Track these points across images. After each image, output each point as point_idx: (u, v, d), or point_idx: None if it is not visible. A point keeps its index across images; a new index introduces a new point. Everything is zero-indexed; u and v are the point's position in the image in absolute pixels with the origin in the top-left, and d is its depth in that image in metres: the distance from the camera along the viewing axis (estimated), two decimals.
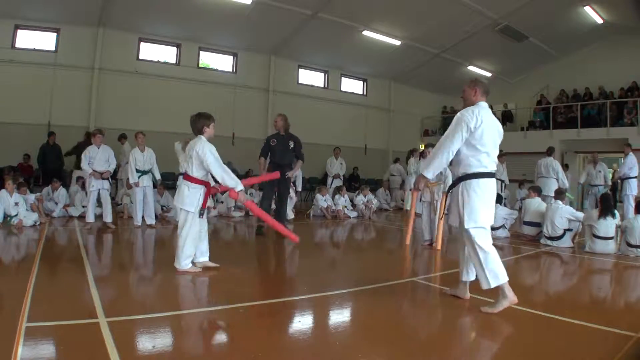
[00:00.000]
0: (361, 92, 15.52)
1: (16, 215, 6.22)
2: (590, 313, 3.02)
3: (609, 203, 5.55)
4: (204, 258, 3.94)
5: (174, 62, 11.96)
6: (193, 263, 3.84)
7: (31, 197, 6.75)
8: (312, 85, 14.30)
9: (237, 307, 2.86)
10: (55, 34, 10.25)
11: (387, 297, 3.25)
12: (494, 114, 3.12)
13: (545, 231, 5.99)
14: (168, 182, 8.71)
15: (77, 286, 3.20)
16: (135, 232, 6.32)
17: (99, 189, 6.33)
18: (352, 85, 15.34)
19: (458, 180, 2.95)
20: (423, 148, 8.23)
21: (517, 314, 2.83)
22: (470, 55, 13.88)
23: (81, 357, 2.02)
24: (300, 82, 14.01)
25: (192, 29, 11.38)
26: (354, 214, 9.16)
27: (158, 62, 11.73)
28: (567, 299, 3.59)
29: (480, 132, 2.83)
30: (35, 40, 10.12)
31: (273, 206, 6.57)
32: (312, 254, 5.55)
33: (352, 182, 12.94)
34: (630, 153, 8.23)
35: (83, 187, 7.68)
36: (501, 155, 3.14)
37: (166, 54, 11.92)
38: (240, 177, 11.41)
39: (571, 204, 6.36)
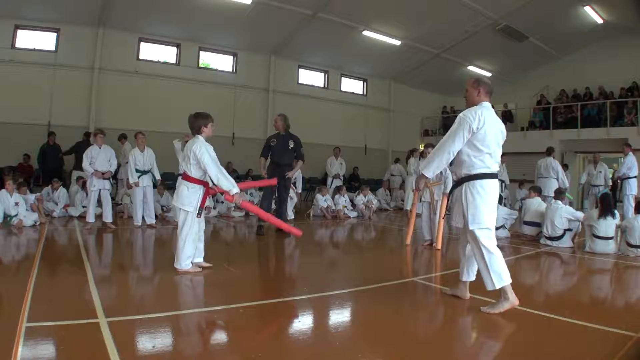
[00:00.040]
0: (361, 92, 15.52)
1: (16, 215, 6.22)
2: (590, 313, 3.02)
3: (608, 203, 5.55)
4: (198, 258, 3.94)
5: (174, 62, 11.96)
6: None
7: (31, 197, 6.75)
8: (312, 85, 14.30)
9: (237, 307, 2.86)
10: (55, 34, 10.24)
11: (387, 297, 3.25)
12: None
13: (545, 231, 5.99)
14: (168, 182, 8.71)
15: (77, 286, 3.20)
16: (135, 232, 6.32)
17: (100, 189, 6.34)
18: (352, 85, 15.34)
19: (461, 181, 2.94)
20: (423, 148, 8.22)
21: (517, 314, 2.83)
22: (470, 55, 13.88)
23: (81, 357, 2.02)
24: (300, 82, 14.00)
25: (192, 29, 11.38)
26: (354, 214, 9.16)
27: (158, 62, 11.72)
28: (567, 299, 3.59)
29: (483, 133, 2.82)
30: (35, 40, 10.11)
31: (273, 206, 6.57)
32: (312, 254, 5.56)
33: (352, 182, 12.94)
34: (630, 153, 8.23)
35: (83, 187, 7.69)
36: (501, 156, 3.13)
37: (166, 54, 11.91)
38: (240, 177, 11.30)
39: (570, 204, 6.36)
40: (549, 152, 8.40)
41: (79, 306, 2.72)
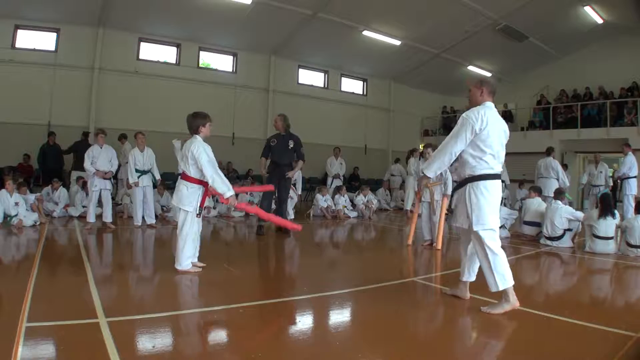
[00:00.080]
0: (361, 92, 15.52)
1: (16, 215, 6.22)
2: (590, 313, 3.02)
3: (608, 203, 5.55)
4: (193, 259, 3.94)
5: (174, 62, 11.96)
6: None
7: (31, 197, 6.75)
8: (312, 85, 14.30)
9: (237, 307, 2.86)
10: (55, 34, 10.24)
11: (387, 297, 3.25)
12: None
13: (545, 231, 5.99)
14: (168, 182, 8.72)
15: (77, 286, 3.20)
16: (135, 232, 6.32)
17: (101, 189, 6.34)
18: (352, 85, 15.34)
19: (464, 181, 2.94)
20: (422, 148, 8.23)
21: (517, 314, 2.83)
22: (470, 55, 13.88)
23: (81, 357, 2.02)
24: (300, 82, 14.00)
25: (192, 29, 11.38)
26: (354, 214, 9.16)
27: (158, 62, 11.72)
28: (567, 299, 3.59)
29: (486, 134, 2.82)
30: (35, 40, 10.11)
31: (273, 206, 6.58)
32: (312, 254, 5.56)
33: (352, 182, 12.94)
34: (630, 153, 8.23)
35: (83, 187, 7.69)
36: None
37: (166, 54, 11.91)
38: (240, 177, 11.26)
39: (570, 205, 6.36)
40: (549, 152, 8.40)
41: (79, 306, 2.72)
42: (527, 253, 5.44)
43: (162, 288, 3.49)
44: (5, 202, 6.26)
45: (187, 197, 3.75)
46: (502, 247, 2.93)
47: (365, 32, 11.93)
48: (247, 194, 8.54)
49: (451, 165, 3.12)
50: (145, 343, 2.24)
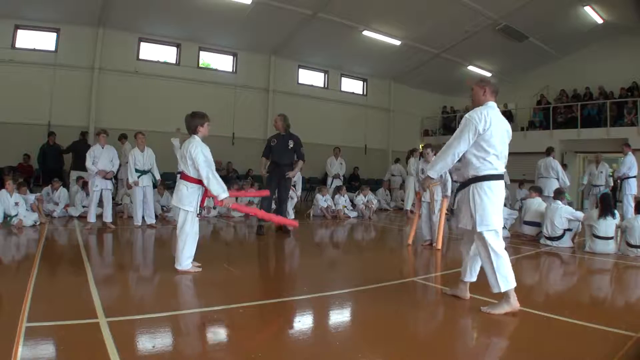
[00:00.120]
0: (361, 92, 15.52)
1: (16, 215, 6.22)
2: (590, 313, 3.02)
3: (608, 203, 5.55)
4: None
5: (174, 62, 11.95)
6: None
7: (31, 197, 6.75)
8: (312, 85, 14.29)
9: (237, 307, 2.87)
10: (55, 34, 10.24)
11: (387, 297, 3.25)
12: None
13: (545, 231, 5.99)
14: (168, 182, 8.71)
15: (77, 286, 3.20)
16: (135, 232, 6.32)
17: (102, 189, 6.34)
18: (352, 85, 15.33)
19: (468, 182, 2.93)
20: (421, 148, 8.23)
21: (517, 313, 2.83)
22: (470, 55, 13.87)
23: (81, 357, 2.02)
24: (300, 82, 14.00)
25: (192, 29, 11.38)
26: (354, 214, 9.16)
27: (158, 62, 11.72)
28: (567, 299, 3.59)
29: (490, 134, 2.82)
30: (35, 40, 10.10)
31: (273, 206, 6.58)
32: (312, 254, 5.56)
33: (352, 182, 12.94)
34: (629, 153, 8.23)
35: (83, 187, 7.69)
36: None
37: (166, 54, 11.91)
38: (240, 177, 11.24)
39: (570, 205, 6.36)
40: (549, 152, 8.40)
41: (79, 306, 2.72)
42: (527, 253, 5.45)
43: (162, 288, 3.49)
44: (5, 202, 6.26)
45: (187, 197, 3.75)
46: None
47: (365, 32, 11.93)
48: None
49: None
50: (145, 343, 2.24)
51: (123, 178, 8.11)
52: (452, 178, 5.47)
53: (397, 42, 12.57)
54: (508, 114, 14.70)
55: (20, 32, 9.95)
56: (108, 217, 6.40)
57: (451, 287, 3.33)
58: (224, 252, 5.31)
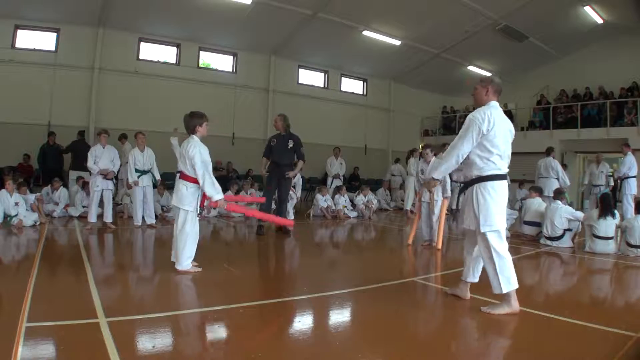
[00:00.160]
0: (361, 92, 15.52)
1: (16, 215, 6.22)
2: (590, 313, 3.02)
3: (608, 203, 5.55)
4: None
5: (174, 62, 11.95)
6: None
7: (31, 197, 6.75)
8: (312, 85, 14.29)
9: (237, 307, 2.86)
10: (55, 34, 10.23)
11: (387, 297, 3.25)
12: None
13: (545, 231, 5.99)
14: (168, 182, 8.70)
15: (77, 286, 3.21)
16: (135, 232, 6.32)
17: (103, 189, 6.34)
18: (352, 85, 15.33)
19: (472, 182, 2.93)
20: (421, 149, 8.23)
21: (517, 314, 2.83)
22: (470, 55, 13.87)
23: (81, 357, 2.02)
24: (300, 82, 14.00)
25: (192, 29, 11.37)
26: (354, 214, 9.16)
27: (158, 62, 11.71)
28: (567, 299, 3.59)
29: (493, 134, 2.82)
30: (35, 40, 10.10)
31: (273, 206, 6.58)
32: (312, 254, 5.56)
33: (352, 182, 12.94)
34: (629, 153, 8.24)
35: (83, 187, 7.69)
36: None
37: (166, 54, 11.90)
38: (240, 177, 11.22)
39: (570, 205, 6.36)
40: (549, 152, 8.40)
41: (79, 306, 2.72)
42: (527, 253, 5.45)
43: (162, 288, 3.49)
44: (5, 202, 6.26)
45: (187, 197, 3.75)
46: None
47: (365, 32, 11.92)
48: (246, 193, 8.54)
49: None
50: (145, 343, 2.24)
51: (123, 178, 8.11)
52: (451, 178, 5.48)
53: (397, 42, 12.57)
54: (508, 114, 14.67)
55: (20, 32, 9.94)
56: (108, 217, 6.40)
57: (451, 286, 3.32)
58: (224, 252, 5.31)
